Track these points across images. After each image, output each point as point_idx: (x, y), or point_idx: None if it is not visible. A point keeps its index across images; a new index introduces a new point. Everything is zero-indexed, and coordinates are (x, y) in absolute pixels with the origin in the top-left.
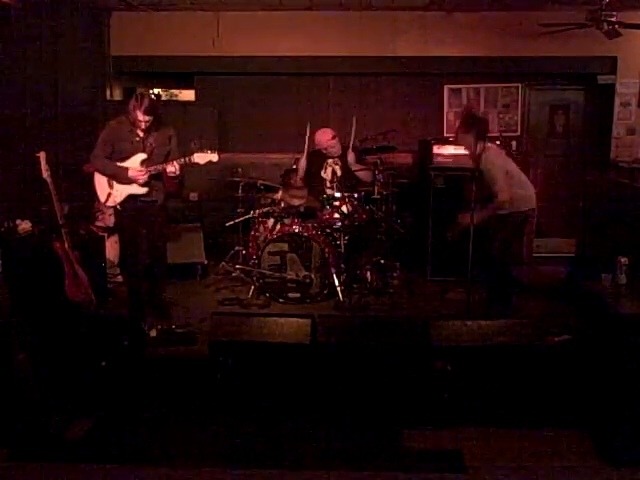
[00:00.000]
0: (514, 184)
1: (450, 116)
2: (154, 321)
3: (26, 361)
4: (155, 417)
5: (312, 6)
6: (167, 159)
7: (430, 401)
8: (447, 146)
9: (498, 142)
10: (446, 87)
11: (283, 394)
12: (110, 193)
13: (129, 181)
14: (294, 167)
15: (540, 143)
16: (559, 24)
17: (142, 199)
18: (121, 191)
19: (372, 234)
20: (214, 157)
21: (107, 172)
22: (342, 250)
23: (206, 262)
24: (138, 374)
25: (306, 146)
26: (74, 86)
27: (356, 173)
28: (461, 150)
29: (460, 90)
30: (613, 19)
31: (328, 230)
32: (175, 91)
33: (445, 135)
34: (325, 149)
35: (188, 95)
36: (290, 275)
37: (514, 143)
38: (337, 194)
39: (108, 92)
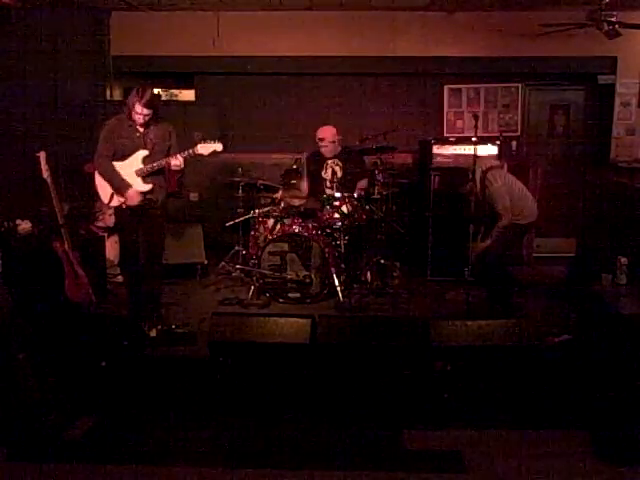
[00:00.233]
0: (517, 200)
1: (450, 116)
2: (152, 321)
3: (26, 361)
4: (155, 417)
5: (312, 6)
6: (167, 156)
7: (430, 401)
8: (447, 146)
9: (498, 142)
10: (446, 87)
11: (283, 394)
12: (113, 193)
13: (121, 193)
14: (294, 167)
15: (540, 143)
16: (559, 24)
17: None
18: None
19: (372, 234)
20: (218, 147)
21: (107, 177)
22: (342, 250)
23: (206, 262)
24: (138, 374)
25: (305, 173)
26: (74, 86)
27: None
28: (461, 150)
29: (460, 90)
30: (613, 19)
31: (328, 230)
32: (175, 91)
33: (445, 135)
34: (318, 144)
35: (188, 95)
36: (290, 275)
37: (514, 143)
38: (337, 194)
39: (108, 92)
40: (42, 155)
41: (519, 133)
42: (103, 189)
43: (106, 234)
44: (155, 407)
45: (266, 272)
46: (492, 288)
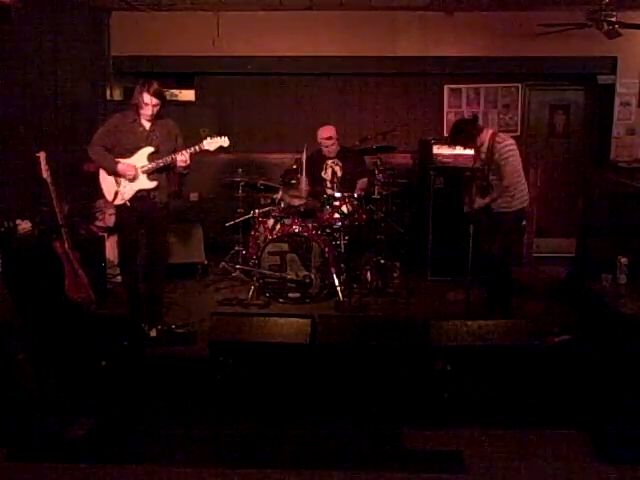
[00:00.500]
0: (519, 176)
1: (450, 116)
2: (153, 321)
3: (26, 361)
4: (155, 417)
5: (312, 6)
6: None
7: (430, 401)
8: (447, 146)
9: None
10: (446, 87)
11: (283, 394)
12: (117, 191)
13: (117, 175)
14: (294, 167)
15: (540, 143)
16: (559, 24)
17: (144, 195)
18: (130, 187)
19: (372, 234)
20: (224, 142)
21: (99, 162)
22: (342, 250)
23: (206, 262)
24: (138, 374)
25: (304, 168)
26: (74, 86)
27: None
28: (461, 150)
29: (460, 90)
30: (613, 19)
31: (328, 230)
32: (175, 91)
33: (445, 135)
34: (320, 144)
35: (188, 95)
36: (290, 275)
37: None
38: (337, 194)
39: (108, 92)
40: (42, 155)
41: (519, 133)
42: (107, 187)
43: (106, 234)
44: (155, 407)
45: (266, 272)
46: (492, 288)
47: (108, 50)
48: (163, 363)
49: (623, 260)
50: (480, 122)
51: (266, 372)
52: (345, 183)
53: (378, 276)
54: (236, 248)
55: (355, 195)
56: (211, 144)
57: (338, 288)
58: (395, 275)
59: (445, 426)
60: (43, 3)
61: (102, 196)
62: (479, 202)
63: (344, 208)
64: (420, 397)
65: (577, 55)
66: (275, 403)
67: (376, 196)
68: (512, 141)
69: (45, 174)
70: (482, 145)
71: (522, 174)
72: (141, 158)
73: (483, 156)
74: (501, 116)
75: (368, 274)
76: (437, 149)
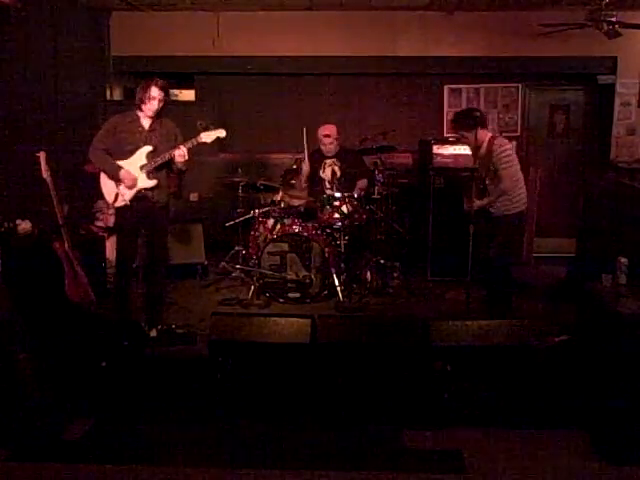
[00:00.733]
0: (518, 178)
1: (450, 116)
2: (152, 321)
3: (26, 361)
4: (155, 417)
5: (312, 6)
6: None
7: (430, 401)
8: (447, 146)
9: None
10: (446, 87)
11: (283, 394)
12: (118, 193)
13: (118, 179)
14: (294, 167)
15: (540, 143)
16: (559, 24)
17: (144, 195)
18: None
19: (372, 234)
20: (221, 133)
21: (100, 165)
22: (342, 250)
23: (206, 262)
24: (138, 374)
25: (305, 150)
26: (74, 86)
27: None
28: (461, 150)
29: (460, 90)
30: (613, 19)
31: (328, 230)
32: (175, 91)
33: (445, 135)
34: (320, 142)
35: (188, 95)
36: (290, 275)
37: (514, 143)
38: (337, 194)
39: (108, 92)
40: (42, 155)
41: (519, 133)
42: (108, 189)
43: (106, 234)
44: (155, 407)
45: (266, 272)
46: (492, 288)
47: (108, 50)
48: (163, 363)
49: (623, 260)
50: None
51: (266, 372)
52: (344, 183)
53: (378, 276)
54: (236, 248)
55: (355, 195)
56: (208, 136)
57: (338, 288)
58: (395, 275)
59: (445, 426)
60: (43, 3)
61: (102, 198)
62: (477, 203)
63: (344, 208)
64: (420, 397)
65: (577, 55)
66: (275, 403)
67: (376, 196)
68: (510, 145)
69: (45, 174)
70: (480, 147)
71: (521, 177)
72: (140, 157)
73: (480, 160)
74: (501, 116)
75: (368, 274)
76: (437, 149)
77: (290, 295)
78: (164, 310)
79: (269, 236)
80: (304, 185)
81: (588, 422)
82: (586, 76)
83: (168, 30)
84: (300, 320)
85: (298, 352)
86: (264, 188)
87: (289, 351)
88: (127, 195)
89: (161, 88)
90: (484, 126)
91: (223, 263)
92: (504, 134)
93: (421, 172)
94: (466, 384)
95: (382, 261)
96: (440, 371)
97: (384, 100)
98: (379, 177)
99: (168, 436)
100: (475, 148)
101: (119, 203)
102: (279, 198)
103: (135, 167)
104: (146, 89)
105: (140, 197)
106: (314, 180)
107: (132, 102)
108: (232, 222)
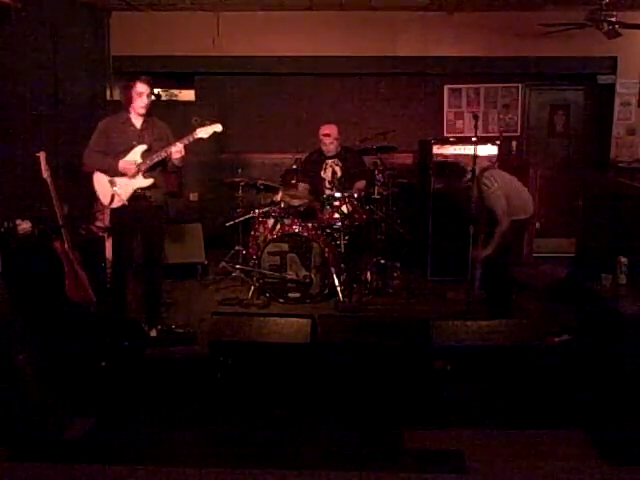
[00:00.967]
0: (513, 197)
1: (450, 116)
2: (152, 321)
3: (26, 361)
4: (155, 417)
5: (312, 6)
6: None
7: (430, 401)
8: (447, 146)
9: (498, 142)
10: (446, 87)
11: (283, 394)
12: (114, 194)
13: (120, 174)
14: (294, 167)
15: (540, 143)
16: (559, 24)
17: (140, 195)
18: (126, 188)
19: (372, 234)
20: (217, 127)
21: (98, 166)
22: (342, 250)
23: (206, 262)
24: (138, 374)
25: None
26: (74, 86)
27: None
28: (461, 150)
29: (460, 90)
30: (613, 19)
31: (328, 230)
32: (175, 91)
33: (445, 135)
34: (319, 141)
35: (188, 95)
36: (290, 275)
37: (514, 143)
38: (337, 194)
39: (108, 92)
40: (42, 155)
41: (519, 133)
42: (103, 191)
43: (106, 234)
44: (155, 407)
45: (266, 272)
46: (492, 288)
47: (108, 50)
48: (163, 363)
49: (623, 260)
50: (480, 122)
51: (266, 372)
52: (345, 183)
53: (378, 276)
54: (236, 248)
55: (355, 195)
56: (204, 131)
57: (338, 288)
58: (395, 275)
59: (445, 426)
60: (43, 3)
61: (97, 200)
62: (485, 253)
63: (344, 208)
64: (420, 397)
65: (577, 55)
66: (275, 403)
67: (376, 196)
68: (498, 176)
69: (45, 174)
70: (467, 181)
71: (522, 195)
72: (135, 157)
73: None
74: (501, 116)
75: (368, 274)
76: (437, 149)
77: (290, 295)
78: (164, 310)
79: (269, 236)
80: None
81: (588, 422)
82: (586, 76)
83: (168, 30)
84: (300, 320)
85: (298, 352)
86: (264, 188)
87: (289, 351)
88: (124, 195)
89: (147, 83)
90: (463, 171)
91: (223, 263)
92: (504, 134)
93: (421, 172)
94: (466, 384)
95: (382, 261)
96: (440, 371)
97: (384, 100)
98: (379, 177)
99: (168, 436)
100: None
101: (116, 204)
102: (279, 198)
103: None
104: (132, 87)
105: (136, 197)
106: (314, 180)
107: (123, 100)
108: (232, 222)
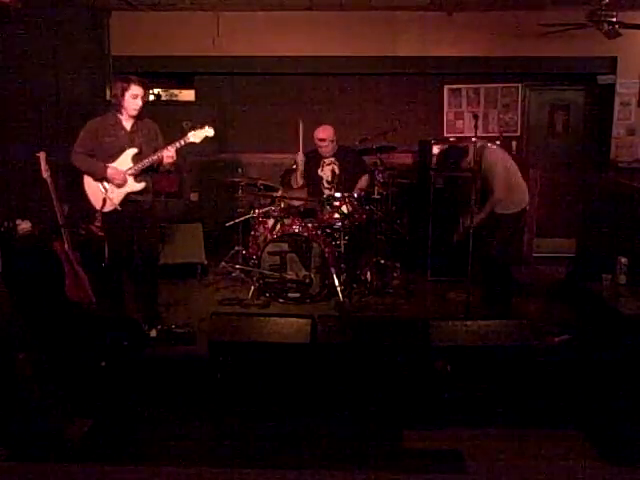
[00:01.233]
0: (512, 184)
1: (450, 116)
2: (151, 321)
3: (26, 361)
4: (155, 417)
5: (312, 6)
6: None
7: (430, 401)
8: (447, 146)
9: (498, 142)
10: (446, 87)
11: (283, 394)
12: (105, 198)
13: (106, 180)
14: (294, 167)
15: (540, 143)
16: (559, 24)
17: (131, 199)
18: (117, 192)
19: (372, 234)
20: (209, 132)
21: (84, 169)
22: (342, 250)
23: (206, 262)
24: (138, 374)
25: (300, 144)
26: (74, 86)
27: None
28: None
29: (460, 90)
30: (613, 19)
31: (328, 230)
32: (175, 91)
33: (445, 135)
34: (316, 144)
35: (188, 95)
36: (290, 275)
37: (514, 143)
38: (337, 194)
39: (108, 92)
40: (42, 155)
41: (519, 133)
42: (94, 195)
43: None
44: (155, 407)
45: (266, 272)
46: (492, 288)
47: (108, 50)
48: (163, 363)
49: (623, 260)
50: (480, 122)
51: (266, 372)
52: (344, 182)
53: (378, 276)
54: (236, 248)
55: (355, 195)
56: (196, 136)
57: (338, 288)
58: (395, 275)
59: (445, 426)
60: (43, 3)
61: (89, 203)
62: (475, 219)
63: (344, 208)
64: (420, 397)
65: (577, 55)
66: (275, 403)
67: (376, 196)
68: (499, 150)
69: (45, 174)
70: (470, 162)
71: (517, 180)
72: (126, 160)
73: (472, 173)
74: (501, 116)
75: (368, 274)
76: (437, 149)
77: (290, 295)
78: (164, 310)
79: (269, 236)
80: (300, 182)
81: (588, 422)
82: (586, 76)
83: (168, 30)
84: (300, 320)
85: (298, 352)
86: (264, 188)
87: (289, 351)
88: (116, 199)
89: (142, 85)
90: (466, 152)
91: (223, 263)
92: (504, 134)
93: (421, 172)
94: (466, 384)
95: (382, 261)
96: (440, 371)
97: (384, 100)
98: (379, 177)
99: (168, 436)
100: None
101: (108, 208)
102: (279, 198)
103: (121, 170)
104: (126, 89)
105: (128, 201)
106: (313, 179)
107: (115, 102)
108: (232, 222)
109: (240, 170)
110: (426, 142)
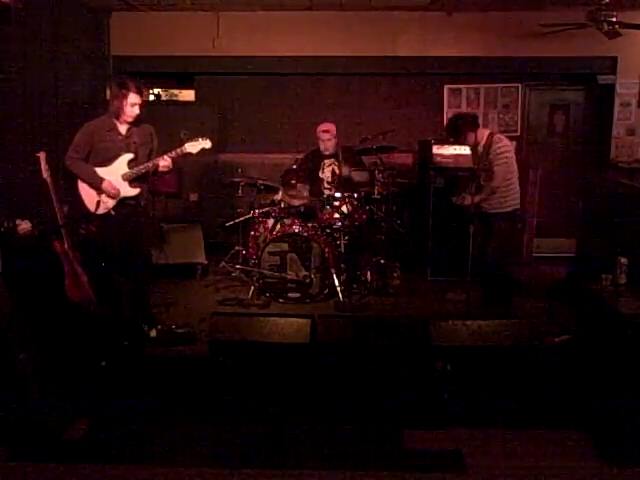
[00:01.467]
0: (510, 180)
1: (450, 116)
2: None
3: (26, 361)
4: (155, 417)
5: (312, 6)
6: (150, 158)
7: (430, 401)
8: (447, 146)
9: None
10: (446, 87)
11: (283, 394)
12: (99, 200)
13: (100, 191)
14: (294, 167)
15: (540, 143)
16: (559, 24)
17: (125, 202)
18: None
19: (372, 234)
20: (206, 144)
21: (80, 176)
22: (342, 250)
23: (206, 262)
24: (138, 374)
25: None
26: (74, 86)
27: (351, 174)
28: (461, 150)
29: (460, 90)
30: (613, 19)
31: (328, 230)
32: (175, 91)
33: (445, 135)
34: (318, 139)
35: (188, 95)
36: (290, 275)
37: (514, 143)
38: (337, 194)
39: (108, 92)
40: (42, 155)
41: (519, 133)
42: (88, 197)
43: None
44: (155, 407)
45: (266, 272)
46: (491, 288)
47: (108, 50)
48: (163, 363)
49: (623, 260)
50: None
51: (266, 372)
52: (344, 183)
53: (378, 276)
54: (236, 248)
55: (355, 195)
56: (193, 147)
57: (338, 288)
58: (395, 275)
59: (445, 426)
60: (43, 3)
61: (82, 205)
62: (468, 199)
63: (344, 208)
64: (420, 397)
65: (577, 55)
66: (275, 403)
67: (376, 196)
68: (508, 143)
69: (45, 174)
70: (478, 144)
71: (514, 177)
72: (121, 165)
73: (477, 157)
74: (501, 116)
75: (368, 274)
76: (437, 149)
77: (290, 295)
78: (165, 310)
79: (269, 236)
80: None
81: (588, 422)
82: (586, 76)
83: (168, 30)
84: (300, 320)
85: (298, 352)
86: (264, 188)
87: (289, 351)
88: (110, 203)
89: (139, 93)
90: (476, 127)
91: (223, 263)
92: (504, 134)
93: (421, 172)
94: (466, 384)
95: (382, 261)
96: (440, 371)
97: (384, 100)
98: (379, 177)
99: (168, 436)
100: (474, 147)
101: (101, 211)
102: (279, 198)
103: (116, 175)
104: (125, 96)
105: (122, 204)
106: (313, 179)
107: (112, 108)
108: (232, 222)
109: (240, 170)
110: (426, 142)
